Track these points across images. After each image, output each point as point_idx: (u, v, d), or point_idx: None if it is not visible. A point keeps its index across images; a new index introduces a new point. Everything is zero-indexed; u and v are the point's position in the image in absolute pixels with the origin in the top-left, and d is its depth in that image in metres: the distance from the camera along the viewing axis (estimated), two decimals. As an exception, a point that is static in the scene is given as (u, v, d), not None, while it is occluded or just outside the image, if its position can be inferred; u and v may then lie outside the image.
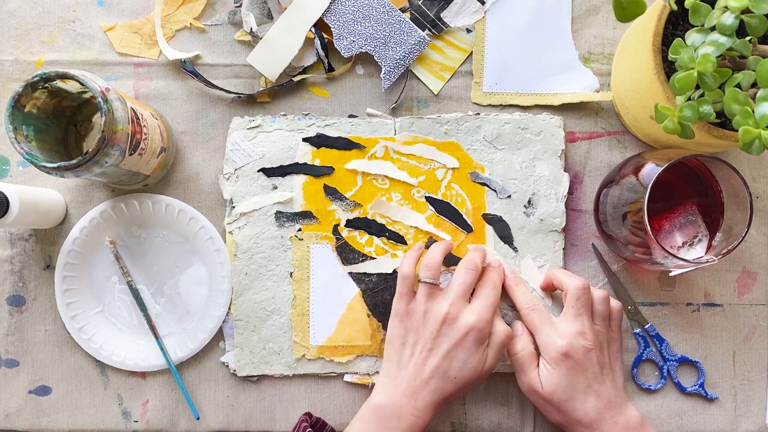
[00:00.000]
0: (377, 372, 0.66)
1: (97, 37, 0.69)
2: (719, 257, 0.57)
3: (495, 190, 0.67)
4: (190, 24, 0.68)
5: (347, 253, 0.67)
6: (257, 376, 0.67)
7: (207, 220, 0.67)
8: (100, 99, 0.53)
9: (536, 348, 0.62)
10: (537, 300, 0.63)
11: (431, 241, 0.66)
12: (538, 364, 0.61)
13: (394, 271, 0.66)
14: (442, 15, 0.67)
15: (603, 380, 0.60)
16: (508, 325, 0.63)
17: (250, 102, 0.68)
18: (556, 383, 0.59)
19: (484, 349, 0.60)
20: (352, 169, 0.67)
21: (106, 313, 0.68)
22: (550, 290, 0.66)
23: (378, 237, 0.67)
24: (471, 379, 0.59)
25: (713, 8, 0.48)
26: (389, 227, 0.67)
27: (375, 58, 0.67)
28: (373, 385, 0.66)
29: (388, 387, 0.59)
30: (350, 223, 0.67)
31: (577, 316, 0.60)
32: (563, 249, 0.67)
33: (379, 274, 0.67)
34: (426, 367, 0.59)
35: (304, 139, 0.67)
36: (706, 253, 0.60)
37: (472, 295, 0.62)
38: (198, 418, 0.66)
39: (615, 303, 0.63)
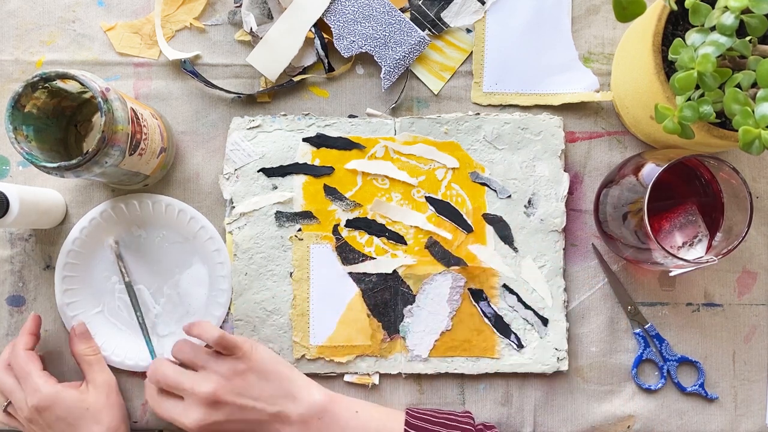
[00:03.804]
0: (377, 372, 0.66)
1: (97, 37, 0.69)
2: (719, 257, 0.57)
3: (495, 190, 0.67)
4: (190, 24, 0.68)
5: (347, 253, 0.67)
6: (257, 376, 0.67)
7: (207, 220, 0.67)
8: (100, 99, 0.53)
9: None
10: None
11: (431, 240, 0.66)
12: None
13: (394, 271, 0.66)
14: (442, 15, 0.67)
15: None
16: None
17: (250, 102, 0.68)
18: None
19: None
20: (352, 169, 0.67)
21: (106, 313, 0.68)
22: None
23: (378, 237, 0.67)
24: None
25: (713, 8, 0.48)
26: (389, 227, 0.67)
27: (375, 58, 0.67)
28: (373, 385, 0.66)
29: None
30: (350, 223, 0.67)
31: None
32: (563, 249, 0.67)
33: (379, 274, 0.67)
34: None
35: (304, 139, 0.67)
36: (706, 253, 0.60)
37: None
38: (198, 418, 0.66)
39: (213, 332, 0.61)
